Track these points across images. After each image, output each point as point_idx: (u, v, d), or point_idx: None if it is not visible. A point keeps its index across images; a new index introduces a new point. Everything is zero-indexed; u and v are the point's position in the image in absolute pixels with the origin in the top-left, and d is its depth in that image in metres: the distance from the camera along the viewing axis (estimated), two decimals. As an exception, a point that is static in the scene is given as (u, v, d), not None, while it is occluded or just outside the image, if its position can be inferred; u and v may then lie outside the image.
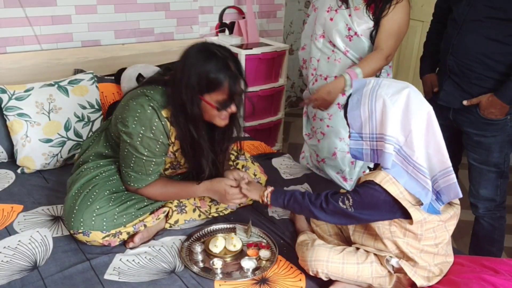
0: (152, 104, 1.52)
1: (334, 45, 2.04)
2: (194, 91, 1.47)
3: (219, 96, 1.49)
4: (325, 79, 2.10)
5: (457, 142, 2.06)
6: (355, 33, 1.98)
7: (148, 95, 1.54)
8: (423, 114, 1.29)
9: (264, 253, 1.55)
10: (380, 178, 1.31)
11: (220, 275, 1.47)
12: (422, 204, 1.30)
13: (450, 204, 1.40)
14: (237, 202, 1.66)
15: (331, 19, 2.02)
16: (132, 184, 1.63)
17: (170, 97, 1.53)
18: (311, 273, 1.43)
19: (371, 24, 1.95)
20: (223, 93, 1.48)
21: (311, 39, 2.20)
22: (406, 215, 1.31)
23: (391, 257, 1.37)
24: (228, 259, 1.54)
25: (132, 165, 1.59)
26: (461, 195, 1.32)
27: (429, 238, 1.34)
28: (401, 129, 1.28)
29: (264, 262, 1.53)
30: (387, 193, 1.29)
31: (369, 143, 1.32)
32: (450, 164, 1.32)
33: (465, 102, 1.85)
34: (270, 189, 1.54)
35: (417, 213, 1.30)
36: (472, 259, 1.47)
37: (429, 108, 1.31)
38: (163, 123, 1.54)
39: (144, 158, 1.57)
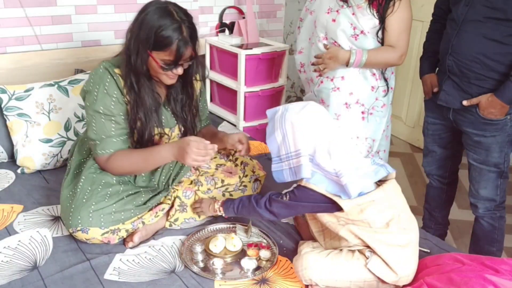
0: (104, 64, 1.60)
1: (338, 46, 2.04)
2: (141, 44, 1.51)
3: (166, 56, 1.51)
4: (332, 80, 2.10)
5: (457, 142, 2.06)
6: (361, 32, 1.98)
7: (104, 61, 1.62)
8: (325, 123, 1.44)
9: (264, 253, 1.55)
10: (304, 182, 1.44)
11: (220, 275, 1.47)
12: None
13: (382, 183, 1.46)
14: (200, 161, 1.54)
15: (333, 20, 2.02)
16: (99, 152, 1.62)
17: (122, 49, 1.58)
18: (305, 283, 1.43)
19: (376, 21, 1.95)
20: (169, 54, 1.51)
21: (309, 42, 2.21)
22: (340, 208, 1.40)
23: (370, 252, 1.39)
24: (228, 259, 1.54)
25: (94, 127, 1.61)
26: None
27: (377, 220, 1.39)
28: (309, 141, 1.41)
29: (264, 262, 1.53)
30: (316, 192, 1.41)
31: (287, 163, 1.45)
32: (354, 163, 1.43)
33: (464, 102, 1.85)
34: (220, 201, 1.62)
35: (345, 202, 1.38)
36: (473, 258, 1.46)
37: (329, 117, 1.48)
38: (115, 78, 1.58)
39: (102, 116, 1.59)
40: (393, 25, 1.95)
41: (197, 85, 1.78)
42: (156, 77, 1.60)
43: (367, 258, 1.39)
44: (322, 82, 2.15)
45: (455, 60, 1.84)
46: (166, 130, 1.72)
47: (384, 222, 1.40)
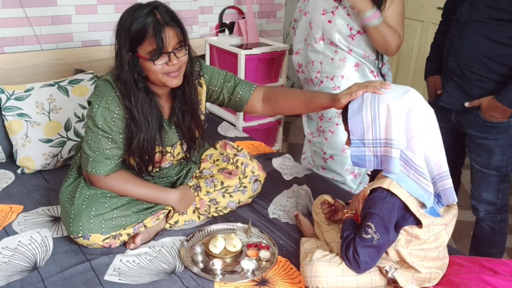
0: (107, 78, 1.56)
1: (336, 46, 2.04)
2: (122, 50, 1.45)
3: (148, 47, 1.42)
4: (332, 79, 2.11)
5: (460, 145, 2.05)
6: (358, 32, 1.98)
7: (109, 73, 1.57)
8: (425, 116, 1.29)
9: (264, 254, 1.54)
10: (388, 183, 1.28)
11: (220, 276, 1.47)
12: (425, 207, 1.30)
13: (448, 205, 1.40)
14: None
15: (329, 21, 2.02)
16: (90, 170, 1.57)
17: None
18: None
19: None
20: (150, 42, 1.41)
21: (305, 43, 2.21)
22: (415, 221, 1.30)
23: (390, 267, 1.36)
24: (228, 260, 1.54)
25: (89, 142, 1.56)
26: (456, 200, 1.33)
27: (431, 241, 1.33)
28: (404, 132, 1.27)
29: (264, 262, 1.53)
30: (397, 199, 1.28)
31: (372, 149, 1.29)
32: (447, 168, 1.32)
33: (466, 104, 1.84)
34: (348, 213, 1.46)
35: (425, 218, 1.29)
36: (472, 260, 1.46)
37: (431, 110, 1.31)
38: (118, 94, 1.53)
39: (100, 132, 1.54)
40: (389, 17, 1.93)
41: (202, 91, 1.72)
42: (160, 82, 1.51)
43: (386, 272, 1.36)
44: (322, 82, 2.16)
45: (457, 61, 1.83)
46: (168, 148, 1.68)
47: (435, 246, 1.34)
